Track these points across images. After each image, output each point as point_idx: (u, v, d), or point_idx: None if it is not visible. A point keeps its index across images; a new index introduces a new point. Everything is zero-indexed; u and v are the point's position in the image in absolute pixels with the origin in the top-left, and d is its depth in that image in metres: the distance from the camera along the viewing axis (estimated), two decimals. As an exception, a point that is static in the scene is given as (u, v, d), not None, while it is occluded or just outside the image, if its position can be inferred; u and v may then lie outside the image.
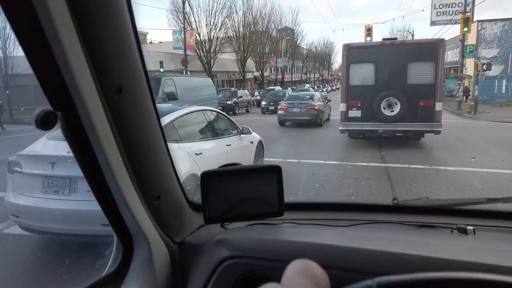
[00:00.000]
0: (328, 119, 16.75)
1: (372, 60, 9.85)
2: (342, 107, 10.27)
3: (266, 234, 1.08)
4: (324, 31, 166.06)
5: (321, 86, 49.49)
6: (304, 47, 66.49)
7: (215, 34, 35.27)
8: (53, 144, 3.73)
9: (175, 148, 4.18)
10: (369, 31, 25.78)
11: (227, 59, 41.00)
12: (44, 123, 0.66)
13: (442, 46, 9.53)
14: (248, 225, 1.14)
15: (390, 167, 7.73)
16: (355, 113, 10.13)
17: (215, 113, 5.79)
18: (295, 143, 11.87)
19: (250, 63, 44.16)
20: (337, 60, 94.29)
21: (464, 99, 23.82)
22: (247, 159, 6.11)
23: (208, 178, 1.01)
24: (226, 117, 6.17)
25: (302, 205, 1.40)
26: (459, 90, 23.26)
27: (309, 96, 16.12)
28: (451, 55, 33.86)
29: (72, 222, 3.45)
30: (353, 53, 9.98)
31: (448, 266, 0.66)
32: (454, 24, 26.78)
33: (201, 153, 4.55)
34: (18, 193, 3.68)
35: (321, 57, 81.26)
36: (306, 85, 49.37)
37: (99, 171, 0.81)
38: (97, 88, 0.72)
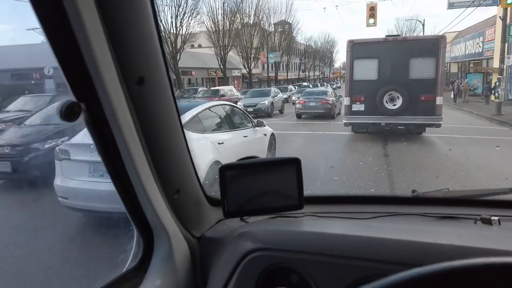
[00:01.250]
0: (339, 113, 17.57)
1: (375, 55, 10.20)
2: (346, 101, 10.64)
3: (289, 226, 1.07)
4: (324, 28, 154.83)
5: (319, 85, 43.35)
6: (302, 42, 59.92)
7: (183, 22, 29.61)
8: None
9: (200, 138, 4.69)
10: (372, 10, 22.41)
11: (207, 54, 36.77)
12: (69, 114, 0.66)
13: (443, 42, 9.94)
14: (269, 218, 1.14)
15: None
16: (358, 106, 10.48)
17: (231, 107, 6.30)
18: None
19: (237, 59, 39.37)
20: (339, 58, 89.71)
21: (493, 98, 18.63)
22: (261, 150, 6.60)
23: (227, 172, 1.00)
24: (242, 111, 6.68)
25: (321, 198, 1.39)
26: (499, 88, 17.45)
27: (323, 92, 17.92)
28: (470, 46, 29.20)
29: (116, 201, 3.97)
30: (357, 49, 10.32)
31: (480, 255, 0.58)
32: (478, 6, 23.53)
33: (223, 143, 5.05)
34: (67, 177, 4.22)
35: (322, 54, 75.38)
36: (304, 83, 43.97)
37: (120, 163, 0.81)
38: (119, 79, 0.72)
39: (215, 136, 5.10)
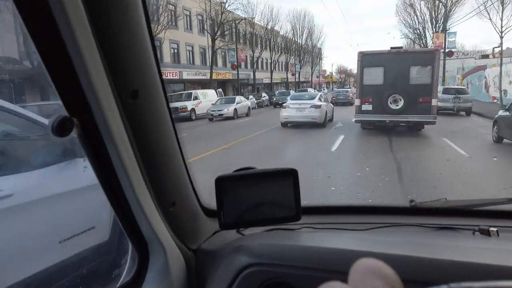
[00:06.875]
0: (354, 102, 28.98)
1: (381, 64, 11.86)
2: (357, 102, 12.46)
3: (286, 240, 1.07)
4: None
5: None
6: (243, 14, 34.63)
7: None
8: (296, 101, 15.36)
9: (323, 103, 15.39)
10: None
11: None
12: (61, 129, 0.65)
13: (437, 54, 11.84)
14: (266, 230, 1.13)
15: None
16: (367, 107, 12.05)
17: (324, 94, 17.47)
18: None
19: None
20: (327, 54, 66.92)
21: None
22: (331, 111, 17.01)
23: (223, 183, 0.99)
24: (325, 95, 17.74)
25: (318, 208, 1.40)
26: None
27: (346, 91, 32.60)
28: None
29: (304, 118, 14.86)
30: (366, 59, 12.06)
31: (481, 271, 0.57)
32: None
33: (326, 105, 15.89)
34: (288, 113, 15.21)
35: (297, 46, 51.17)
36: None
37: (115, 177, 0.81)
38: (113, 92, 0.72)
39: (326, 103, 15.99)
